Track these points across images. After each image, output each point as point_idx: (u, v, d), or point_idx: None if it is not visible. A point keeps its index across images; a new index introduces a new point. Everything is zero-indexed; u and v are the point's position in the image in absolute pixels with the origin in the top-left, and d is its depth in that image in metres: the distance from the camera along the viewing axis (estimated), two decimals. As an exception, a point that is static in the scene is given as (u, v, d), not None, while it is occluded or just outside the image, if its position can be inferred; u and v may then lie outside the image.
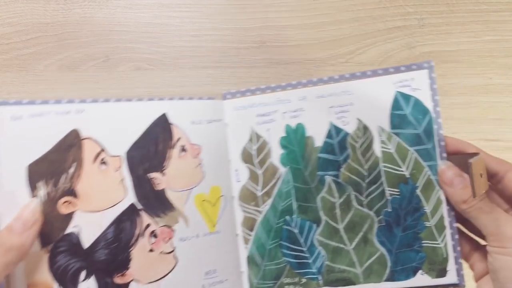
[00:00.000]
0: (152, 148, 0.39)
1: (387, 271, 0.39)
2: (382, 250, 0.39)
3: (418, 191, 0.39)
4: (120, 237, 0.37)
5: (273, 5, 0.52)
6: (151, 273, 0.37)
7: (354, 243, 0.40)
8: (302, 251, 0.40)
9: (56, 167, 0.36)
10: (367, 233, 0.39)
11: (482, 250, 0.38)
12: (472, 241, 0.38)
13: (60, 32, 0.51)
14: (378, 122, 0.40)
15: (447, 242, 0.38)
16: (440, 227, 0.38)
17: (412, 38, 0.52)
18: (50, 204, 0.35)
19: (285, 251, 0.41)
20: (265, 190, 0.41)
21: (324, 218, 0.40)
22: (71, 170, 0.36)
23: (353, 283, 0.39)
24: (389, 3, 0.52)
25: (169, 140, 0.40)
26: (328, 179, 0.40)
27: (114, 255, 0.37)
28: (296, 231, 0.41)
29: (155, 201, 0.39)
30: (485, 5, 0.52)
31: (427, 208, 0.38)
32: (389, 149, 0.39)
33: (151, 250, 0.38)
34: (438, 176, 0.38)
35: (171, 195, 0.39)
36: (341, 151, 0.40)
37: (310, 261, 0.40)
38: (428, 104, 0.39)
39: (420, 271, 0.38)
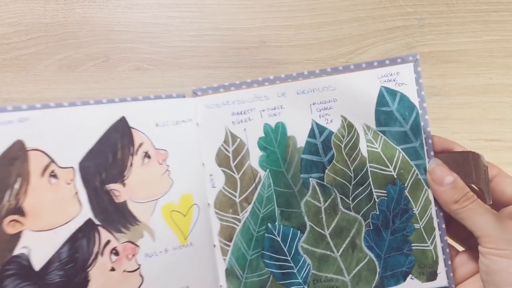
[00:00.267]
0: (109, 157, 0.34)
1: (376, 277, 0.36)
2: (371, 255, 0.36)
3: (406, 192, 0.36)
4: (76, 257, 0.33)
5: (273, 5, 0.51)
6: None
7: (341, 250, 0.36)
8: (286, 261, 0.37)
9: (-2, 183, 0.30)
10: (355, 238, 0.36)
11: (463, 255, 0.36)
12: (450, 246, 0.37)
13: (60, 32, 0.50)
14: (363, 119, 0.37)
15: (437, 244, 0.36)
16: (429, 228, 0.36)
17: (412, 38, 0.51)
18: (-7, 225, 0.30)
19: (267, 261, 0.37)
20: (243, 196, 0.37)
21: (308, 224, 0.37)
22: (16, 186, 0.32)
23: (341, 292, 0.36)
24: (389, 3, 0.51)
25: (129, 147, 0.35)
26: (312, 182, 0.37)
27: (70, 276, 0.33)
28: (279, 239, 0.37)
29: (115, 215, 0.34)
30: (485, 5, 0.51)
31: (416, 210, 0.36)
32: (375, 148, 0.36)
33: (112, 269, 0.34)
34: (428, 174, 0.35)
35: (134, 208, 0.35)
36: (325, 152, 0.37)
37: (295, 270, 0.37)
38: (414, 99, 0.36)
39: (410, 276, 0.36)
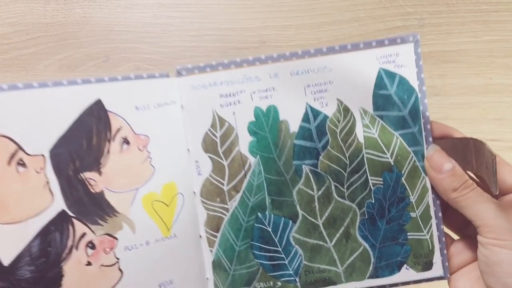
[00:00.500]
0: (84, 143, 0.31)
1: (371, 267, 0.34)
2: (365, 245, 0.34)
3: (403, 179, 0.34)
4: (48, 251, 0.30)
5: (273, 5, 0.51)
6: None
7: (334, 240, 0.34)
8: (276, 252, 0.34)
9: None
10: (349, 228, 0.34)
11: (458, 243, 0.35)
12: (446, 235, 0.35)
13: (60, 32, 0.49)
14: (360, 103, 0.34)
15: (433, 233, 0.34)
16: (426, 217, 0.34)
17: None
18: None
19: (257, 252, 0.34)
20: (232, 184, 0.34)
21: (301, 213, 0.34)
22: (-21, 176, 0.28)
23: (334, 283, 0.34)
24: (389, 3, 0.51)
25: (106, 132, 0.31)
26: (305, 169, 0.34)
27: (42, 271, 0.30)
28: (269, 229, 0.34)
29: (91, 206, 0.31)
30: (485, 5, 0.50)
31: (412, 198, 0.34)
32: (372, 133, 0.34)
33: (88, 264, 0.31)
34: (426, 161, 0.33)
35: (111, 198, 0.32)
36: (320, 137, 0.34)
37: (286, 262, 0.34)
38: (414, 82, 0.34)
39: (405, 266, 0.34)
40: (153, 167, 0.33)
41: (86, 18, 0.49)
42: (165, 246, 0.33)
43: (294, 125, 0.34)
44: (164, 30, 0.50)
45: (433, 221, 0.34)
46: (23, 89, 0.30)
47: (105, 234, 0.32)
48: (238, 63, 0.34)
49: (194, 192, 0.34)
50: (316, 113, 0.34)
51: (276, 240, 0.34)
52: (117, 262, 0.32)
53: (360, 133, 0.34)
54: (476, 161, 0.31)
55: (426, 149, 0.34)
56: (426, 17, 0.50)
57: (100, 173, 0.31)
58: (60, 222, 0.31)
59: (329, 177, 0.34)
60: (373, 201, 0.34)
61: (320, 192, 0.34)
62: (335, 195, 0.34)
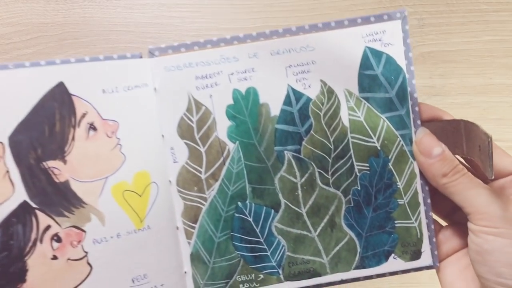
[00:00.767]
0: (46, 129, 0.28)
1: (357, 257, 0.32)
2: (351, 234, 0.32)
3: (390, 165, 0.32)
4: (10, 244, 0.28)
5: (273, 5, 0.50)
6: (56, 284, 0.29)
7: (319, 229, 0.32)
8: (258, 243, 0.32)
9: None
10: (334, 216, 0.32)
11: (446, 230, 0.33)
12: (434, 222, 0.33)
13: (60, 32, 0.49)
14: (345, 84, 0.31)
15: (421, 220, 0.32)
16: (414, 204, 0.32)
17: (412, 38, 0.48)
18: None
19: (237, 243, 0.32)
20: (210, 171, 0.31)
21: (283, 202, 0.32)
22: None
23: (319, 275, 0.32)
24: (389, 3, 0.50)
25: (69, 117, 0.28)
26: (288, 155, 0.31)
27: (4, 266, 0.28)
28: (250, 219, 0.32)
29: (55, 197, 0.28)
30: (485, 5, 0.49)
31: (400, 184, 0.32)
32: (358, 117, 0.32)
33: (54, 258, 0.29)
34: (414, 145, 0.31)
35: (78, 188, 0.29)
36: (302, 121, 0.31)
37: (268, 253, 0.32)
38: (401, 62, 0.31)
39: (392, 255, 0.32)
40: (124, 154, 0.30)
41: (86, 18, 0.49)
42: (138, 239, 0.30)
43: (275, 109, 0.31)
44: (164, 30, 0.49)
45: (422, 208, 0.32)
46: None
47: (71, 227, 0.29)
48: (215, 42, 0.31)
49: (170, 181, 0.31)
50: (298, 95, 0.31)
51: (258, 231, 0.32)
52: (86, 256, 0.29)
53: (345, 116, 0.31)
54: (466, 144, 0.29)
55: (414, 132, 0.31)
56: (426, 17, 0.50)
57: (64, 161, 0.29)
58: (22, 214, 0.28)
59: (312, 163, 0.31)
60: (359, 188, 0.32)
61: (303, 179, 0.32)
62: (319, 182, 0.32)
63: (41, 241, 0.29)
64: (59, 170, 0.28)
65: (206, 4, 0.49)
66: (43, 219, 0.28)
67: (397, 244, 0.32)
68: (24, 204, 0.28)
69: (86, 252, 0.29)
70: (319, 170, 0.32)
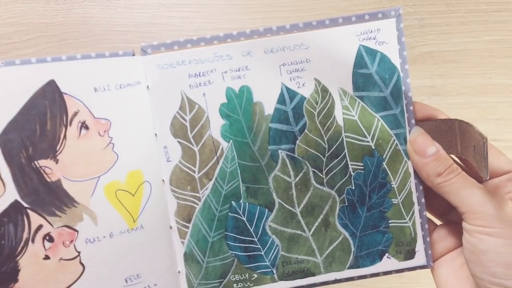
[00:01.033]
0: (37, 128, 0.28)
1: (351, 257, 0.32)
2: (345, 233, 0.31)
3: (384, 164, 0.31)
4: (2, 244, 0.28)
5: (273, 5, 0.49)
6: (49, 284, 0.28)
7: (313, 229, 0.31)
8: (252, 242, 0.31)
9: None
10: (328, 216, 0.31)
11: (441, 230, 0.32)
12: (429, 221, 0.32)
13: (60, 32, 0.48)
14: (339, 83, 0.31)
15: (416, 220, 0.31)
16: (408, 203, 0.31)
17: (412, 38, 0.48)
18: None
19: (231, 243, 0.31)
20: (203, 171, 0.31)
21: (277, 201, 0.31)
22: None
23: (313, 274, 0.32)
24: (389, 3, 0.49)
25: (61, 116, 0.28)
26: (282, 154, 0.31)
27: None
28: (244, 218, 0.31)
29: (47, 196, 0.28)
30: (485, 5, 0.49)
31: (394, 183, 0.31)
32: (352, 116, 0.31)
33: (46, 258, 0.28)
34: (409, 145, 0.30)
35: (70, 187, 0.28)
36: (296, 120, 0.31)
37: (262, 253, 0.31)
38: (396, 61, 0.31)
39: (386, 255, 0.32)
40: (116, 153, 0.29)
41: (86, 18, 0.48)
42: (131, 238, 0.30)
43: (269, 107, 0.31)
44: (164, 30, 0.49)
45: (416, 208, 0.31)
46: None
47: (63, 226, 0.28)
48: (208, 40, 0.30)
49: (163, 180, 0.31)
50: (292, 94, 0.31)
51: (252, 230, 0.31)
52: (78, 255, 0.29)
53: (339, 115, 0.31)
54: (461, 143, 0.29)
55: (409, 131, 0.31)
56: (426, 17, 0.49)
57: (56, 160, 0.28)
58: (14, 214, 0.28)
59: (306, 162, 0.31)
60: (353, 188, 0.31)
61: (297, 179, 0.31)
62: (313, 182, 0.31)
63: (33, 241, 0.28)
64: (51, 169, 0.28)
65: (206, 4, 0.49)
66: (35, 219, 0.28)
67: (391, 244, 0.31)
68: (15, 204, 0.27)
69: (78, 252, 0.29)
70: (313, 170, 0.31)
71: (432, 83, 0.49)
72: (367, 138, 0.31)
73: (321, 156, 0.31)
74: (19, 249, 0.28)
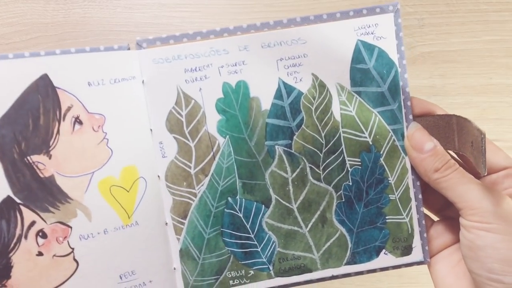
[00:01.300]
0: (29, 123, 0.27)
1: (348, 253, 0.31)
2: (342, 230, 0.31)
3: (381, 160, 0.31)
4: None
5: (274, 5, 0.49)
6: (42, 281, 0.28)
7: (310, 225, 0.31)
8: (248, 238, 0.31)
9: None
10: (325, 212, 0.31)
11: (438, 226, 0.32)
12: (426, 217, 0.32)
13: (60, 32, 0.48)
14: (336, 78, 0.30)
15: (413, 215, 0.31)
16: (405, 199, 0.31)
17: (412, 38, 0.48)
18: None
19: (228, 239, 0.31)
20: (200, 166, 0.30)
21: (274, 197, 0.30)
22: None
23: (310, 271, 0.31)
24: (388, 3, 0.47)
25: (54, 110, 0.27)
26: (279, 149, 0.30)
27: None
28: (240, 214, 0.31)
29: (40, 192, 0.27)
30: (485, 5, 0.48)
31: (391, 179, 0.31)
32: (349, 111, 0.30)
33: (40, 254, 0.28)
34: (406, 140, 0.30)
35: (63, 183, 0.28)
36: (294, 115, 0.30)
37: (258, 249, 0.31)
38: (394, 56, 0.30)
39: (383, 251, 0.31)
40: (110, 149, 0.28)
41: (86, 18, 0.48)
42: (126, 235, 0.29)
43: (266, 102, 0.30)
44: (164, 30, 0.48)
45: (413, 204, 0.31)
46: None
47: (57, 222, 0.28)
48: (205, 34, 0.29)
49: (159, 176, 0.30)
50: (289, 89, 0.30)
51: (248, 226, 0.31)
52: (72, 252, 0.28)
53: (336, 110, 0.30)
54: (459, 139, 0.28)
55: (406, 127, 0.30)
56: (426, 17, 0.49)
57: (49, 156, 0.27)
58: (6, 210, 0.27)
59: (303, 158, 0.30)
60: (351, 183, 0.31)
61: (294, 175, 0.30)
62: (310, 178, 0.30)
63: (26, 237, 0.27)
64: (44, 164, 0.27)
65: (206, 4, 0.49)
66: (28, 215, 0.27)
67: (388, 240, 0.31)
68: (7, 200, 0.27)
69: (72, 248, 0.28)
70: (310, 165, 0.30)
71: (432, 83, 0.49)
72: (364, 133, 0.31)
73: (318, 152, 0.30)
74: (12, 245, 0.27)
